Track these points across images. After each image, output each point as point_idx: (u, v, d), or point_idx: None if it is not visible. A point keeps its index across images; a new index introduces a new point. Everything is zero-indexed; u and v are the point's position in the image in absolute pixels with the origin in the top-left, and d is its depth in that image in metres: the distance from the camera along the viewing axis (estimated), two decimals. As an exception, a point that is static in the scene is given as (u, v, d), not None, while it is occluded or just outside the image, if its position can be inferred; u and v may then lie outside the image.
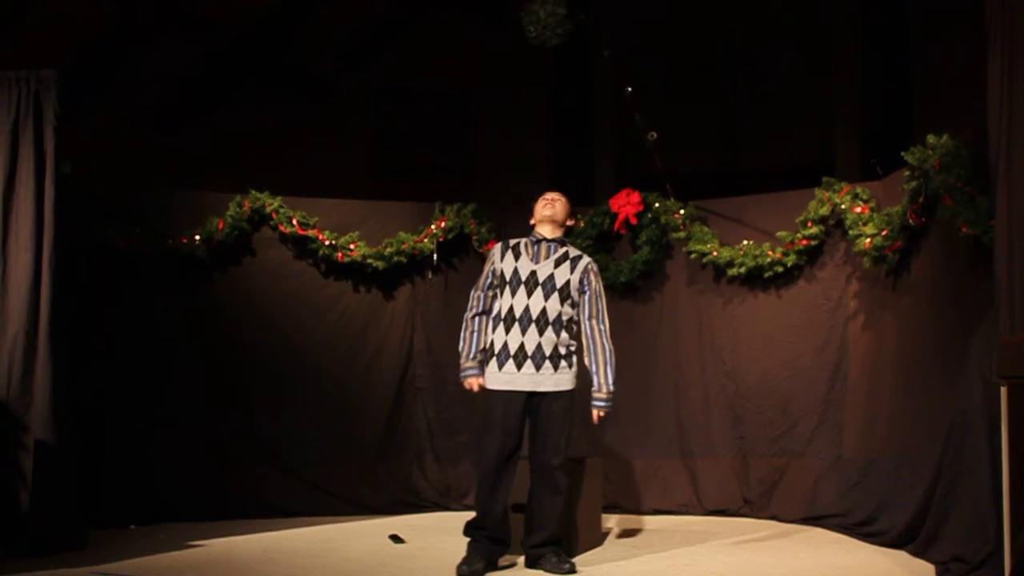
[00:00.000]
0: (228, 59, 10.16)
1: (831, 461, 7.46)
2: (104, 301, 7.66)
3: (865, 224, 7.11)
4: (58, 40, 8.60)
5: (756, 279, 7.86)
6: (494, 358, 5.81)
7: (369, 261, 8.21)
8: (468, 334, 5.92)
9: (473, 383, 5.86)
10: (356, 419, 8.26)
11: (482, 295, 5.94)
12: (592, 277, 5.92)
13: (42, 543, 6.22)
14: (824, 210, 7.48)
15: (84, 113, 8.60)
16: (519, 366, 5.74)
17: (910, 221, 6.52)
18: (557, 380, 5.78)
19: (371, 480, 8.22)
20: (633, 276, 8.24)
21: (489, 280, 5.94)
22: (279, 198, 8.13)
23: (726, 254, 7.87)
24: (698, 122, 10.59)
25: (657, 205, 8.19)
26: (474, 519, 5.88)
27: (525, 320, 5.75)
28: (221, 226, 7.96)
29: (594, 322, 5.89)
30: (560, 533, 5.93)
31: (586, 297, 5.89)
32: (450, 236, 8.35)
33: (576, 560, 6.06)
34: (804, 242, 7.59)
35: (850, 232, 7.26)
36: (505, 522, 5.87)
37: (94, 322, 7.56)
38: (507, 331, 5.78)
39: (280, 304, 8.20)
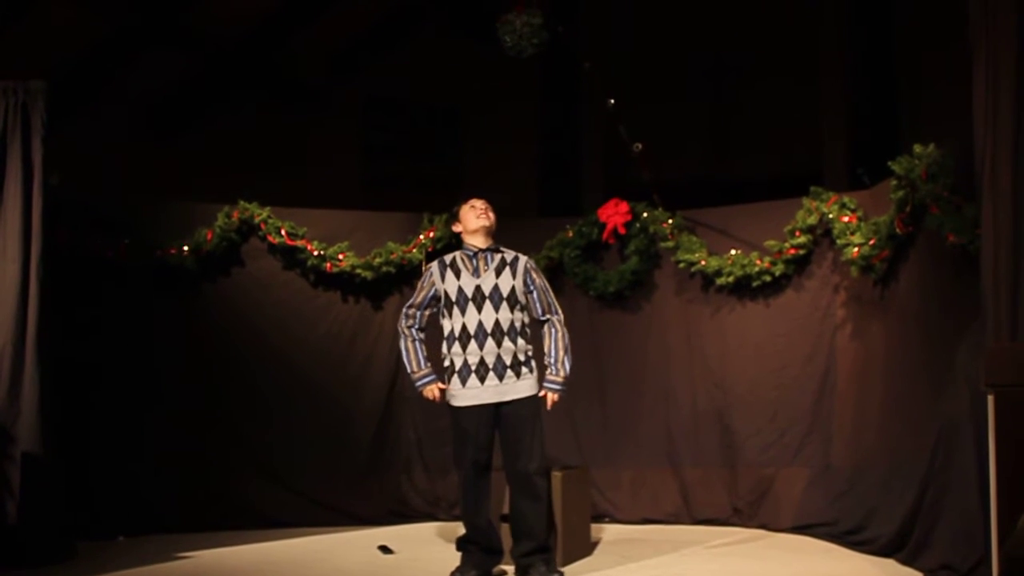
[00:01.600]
0: (217, 70, 10.16)
1: (820, 470, 7.46)
2: (92, 312, 7.63)
3: (852, 233, 7.12)
4: (47, 50, 8.58)
5: (744, 288, 7.87)
6: (455, 375, 5.80)
7: (358, 271, 8.21)
8: (409, 343, 5.94)
9: (433, 388, 5.88)
10: (345, 430, 8.24)
11: (418, 313, 5.95)
12: (534, 275, 5.94)
13: (30, 555, 6.21)
14: (812, 219, 7.48)
15: (72, 123, 8.59)
16: (482, 380, 5.74)
17: (897, 230, 6.53)
18: (520, 387, 5.78)
19: (360, 491, 8.20)
20: (622, 286, 8.25)
21: (427, 298, 5.92)
22: (268, 208, 8.13)
23: (714, 263, 7.88)
24: (686, 132, 10.61)
25: (645, 215, 8.19)
26: (464, 534, 5.91)
27: (481, 335, 5.75)
28: (210, 237, 7.96)
29: (549, 315, 5.93)
30: (547, 540, 5.93)
31: (534, 296, 5.91)
32: (439, 246, 8.35)
33: (565, 570, 6.06)
34: (792, 251, 7.60)
35: (838, 241, 7.27)
36: (493, 531, 5.90)
37: (82, 333, 7.53)
38: (464, 348, 5.77)
39: (269, 315, 8.19)
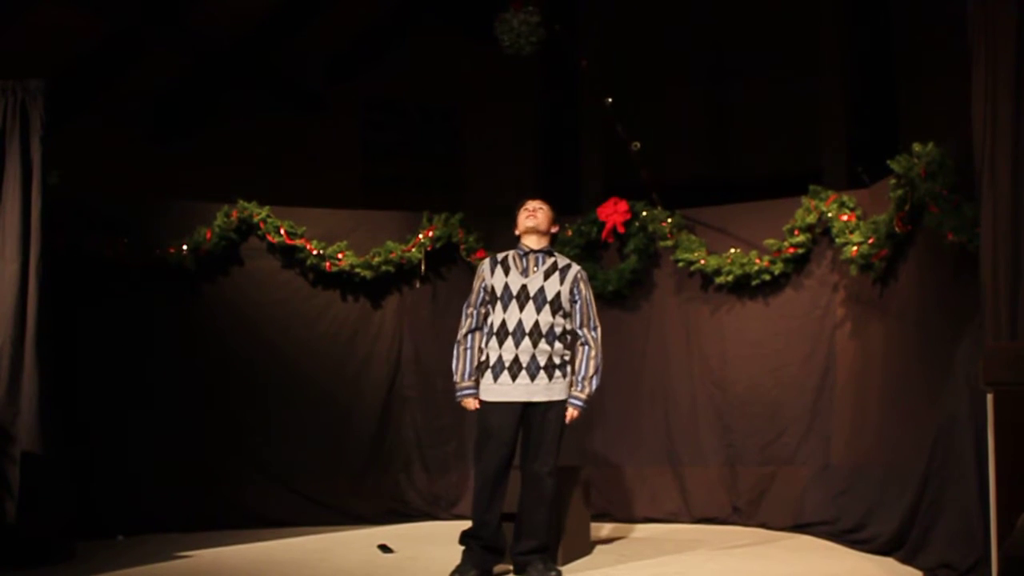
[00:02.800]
0: (217, 70, 10.17)
1: (819, 468, 7.46)
2: (91, 311, 7.63)
3: (852, 232, 7.12)
4: (47, 50, 8.59)
5: (743, 287, 7.87)
6: (489, 370, 5.83)
7: (357, 271, 8.20)
8: (462, 351, 5.93)
9: (470, 403, 5.88)
10: (344, 429, 8.24)
11: (475, 312, 5.95)
12: (582, 286, 5.94)
13: (29, 555, 6.19)
14: (811, 218, 7.49)
15: (72, 123, 8.59)
16: (514, 377, 5.76)
17: (896, 229, 6.54)
18: (551, 390, 5.80)
19: (360, 490, 8.20)
20: (621, 285, 8.25)
21: (481, 296, 5.94)
22: (267, 208, 8.12)
23: (713, 262, 7.88)
24: (686, 131, 10.63)
25: (645, 214, 8.19)
26: (470, 528, 5.89)
27: (519, 334, 5.77)
28: (208, 236, 7.96)
29: (586, 329, 5.94)
30: (548, 540, 5.94)
31: (577, 306, 5.91)
32: (438, 245, 8.35)
33: (564, 569, 6.07)
34: (791, 250, 7.61)
35: (837, 240, 7.27)
36: (500, 531, 5.89)
37: (81, 332, 7.53)
38: (500, 344, 5.80)
39: (268, 314, 8.19)
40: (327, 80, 10.99)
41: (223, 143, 10.10)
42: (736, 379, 7.92)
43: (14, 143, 6.51)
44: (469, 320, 5.95)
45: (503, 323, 5.80)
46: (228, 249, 8.09)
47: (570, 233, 8.37)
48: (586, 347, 5.93)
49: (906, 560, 5.98)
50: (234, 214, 8.06)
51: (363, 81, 11.15)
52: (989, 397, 4.53)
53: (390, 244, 8.29)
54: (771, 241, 7.67)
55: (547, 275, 5.87)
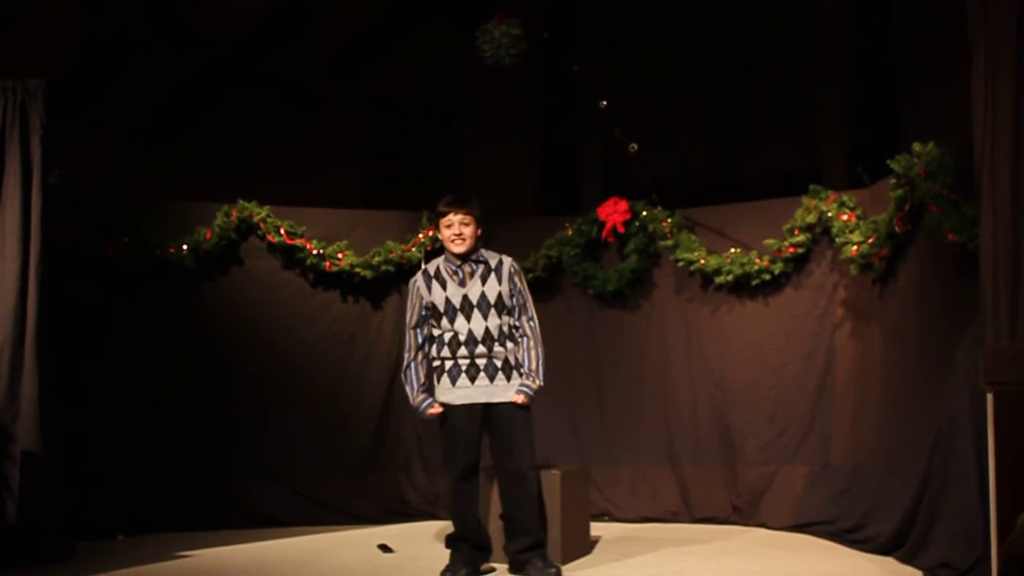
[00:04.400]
0: (217, 70, 10.16)
1: (819, 468, 7.46)
2: (91, 311, 7.63)
3: (852, 232, 7.13)
4: (47, 49, 8.57)
5: (743, 287, 7.87)
6: (445, 374, 5.84)
7: (357, 270, 8.20)
8: (410, 374, 5.91)
9: (434, 410, 5.85)
10: (344, 428, 8.24)
11: (416, 332, 5.93)
12: (517, 279, 5.93)
13: (29, 554, 6.20)
14: (811, 218, 7.49)
15: (72, 122, 8.58)
16: (472, 379, 5.79)
17: (896, 228, 6.54)
18: (511, 389, 5.81)
19: (360, 489, 8.20)
20: (621, 284, 8.25)
21: (420, 315, 5.91)
22: (267, 207, 8.12)
23: (713, 262, 7.88)
24: (685, 130, 10.62)
25: (645, 213, 8.19)
26: (454, 532, 5.95)
27: (471, 343, 5.78)
28: (209, 236, 7.96)
29: (524, 318, 5.92)
30: (543, 536, 5.96)
31: (515, 300, 5.90)
32: (438, 245, 8.33)
33: (565, 568, 6.05)
34: (791, 250, 7.60)
35: (837, 240, 7.27)
36: (482, 530, 5.95)
37: (81, 332, 7.52)
38: (454, 353, 5.81)
39: (268, 314, 8.19)
40: (327, 79, 10.99)
41: (223, 142, 10.09)
42: (736, 379, 7.92)
43: (14, 143, 6.53)
44: (412, 342, 5.92)
45: (454, 335, 5.81)
46: (228, 249, 8.09)
47: (570, 233, 8.38)
48: (526, 339, 5.90)
49: (906, 560, 5.97)
50: (234, 214, 8.06)
51: (363, 81, 11.15)
52: (989, 396, 4.53)
53: (390, 244, 8.29)
54: (771, 241, 7.67)
55: (484, 279, 5.86)
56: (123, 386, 7.70)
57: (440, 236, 6.00)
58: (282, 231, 8.09)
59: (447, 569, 5.82)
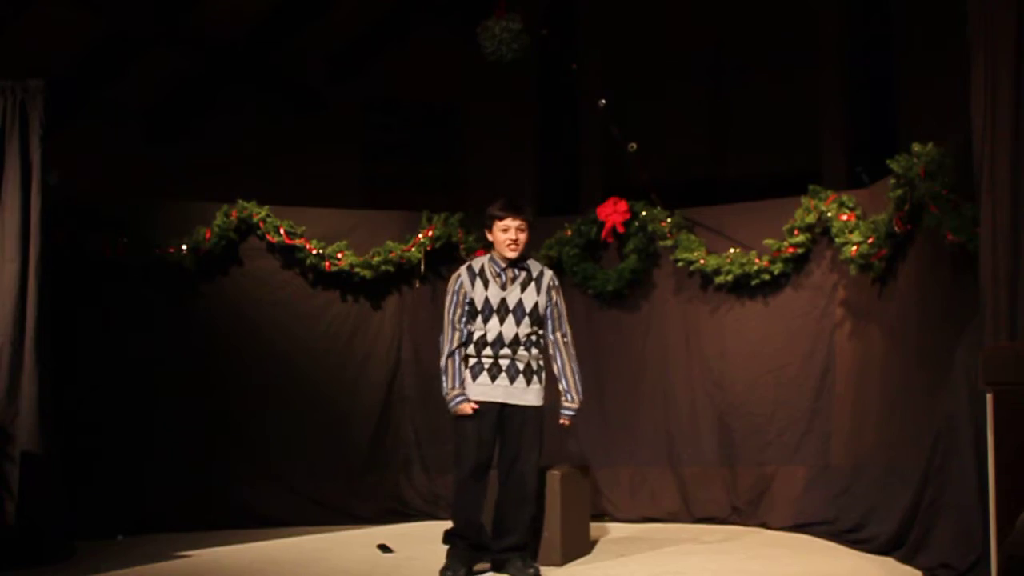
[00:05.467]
0: (217, 69, 10.15)
1: (819, 469, 7.46)
2: (91, 311, 7.63)
3: (851, 232, 7.13)
4: (47, 49, 8.57)
5: (743, 287, 7.87)
6: (468, 371, 5.88)
7: (357, 270, 8.20)
8: (452, 367, 5.88)
9: (466, 408, 5.83)
10: (344, 428, 8.24)
11: (460, 326, 5.91)
12: (555, 293, 6.01)
13: (28, 555, 6.20)
14: (810, 218, 7.49)
15: (72, 122, 8.58)
16: (493, 378, 5.83)
17: (896, 229, 6.54)
18: (529, 393, 5.87)
19: (359, 490, 8.20)
20: (621, 285, 8.25)
21: (463, 310, 5.91)
22: (266, 207, 8.12)
23: (713, 262, 7.88)
24: (685, 131, 10.61)
25: (644, 213, 8.20)
26: (453, 528, 5.97)
27: (498, 344, 5.84)
28: (208, 236, 7.96)
29: (559, 335, 5.99)
30: (528, 538, 5.97)
31: (549, 311, 5.97)
32: (437, 245, 8.36)
33: (563, 569, 6.08)
34: (791, 250, 7.61)
35: (836, 240, 7.28)
36: (483, 530, 5.97)
37: (81, 332, 7.53)
38: (480, 352, 5.86)
39: (267, 314, 8.19)
40: (327, 79, 10.98)
41: (223, 142, 10.09)
42: (735, 379, 7.92)
43: (13, 143, 6.53)
44: (457, 335, 5.90)
45: (483, 335, 5.86)
46: (227, 249, 8.09)
47: (569, 233, 8.39)
48: (559, 355, 5.96)
49: (906, 560, 5.97)
50: (233, 214, 8.06)
51: (363, 81, 11.14)
52: (988, 397, 4.53)
53: (390, 244, 8.28)
54: (771, 241, 7.67)
55: (524, 287, 5.92)
56: (122, 386, 7.69)
57: (492, 238, 5.99)
58: (281, 231, 8.09)
59: (446, 567, 5.83)
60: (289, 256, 8.20)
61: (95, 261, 7.68)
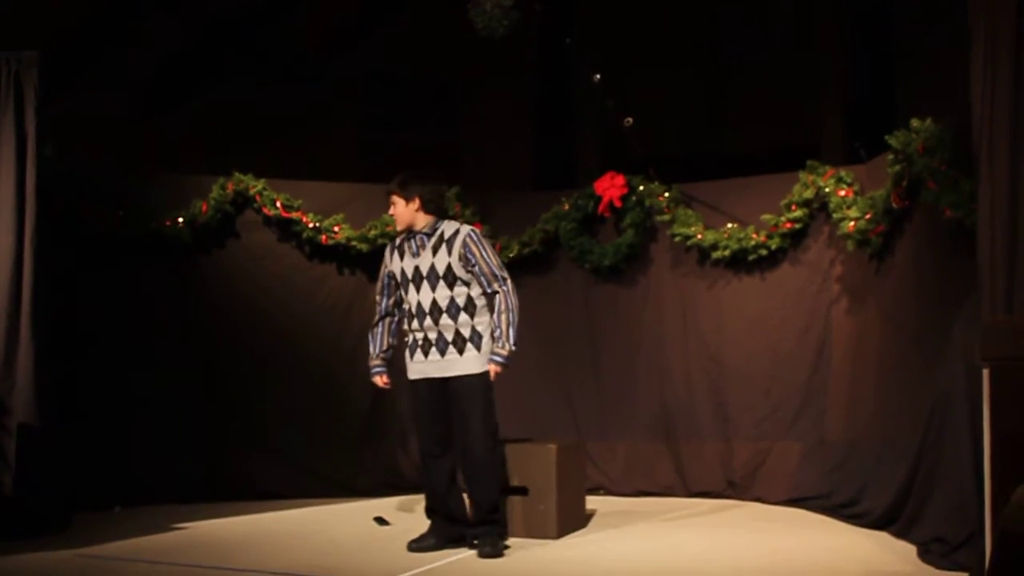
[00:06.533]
0: (215, 42, 10.11)
1: (814, 443, 7.48)
2: (87, 283, 7.60)
3: (849, 207, 7.12)
4: (43, 20, 8.51)
5: (740, 262, 7.87)
6: (407, 349, 5.99)
7: (353, 243, 8.20)
8: (371, 336, 6.15)
9: (378, 380, 6.08)
10: (341, 401, 8.25)
11: (380, 298, 6.09)
12: (473, 247, 5.85)
13: (26, 526, 6.22)
14: (808, 193, 7.48)
15: (68, 93, 8.53)
16: (425, 354, 5.88)
17: (893, 204, 6.52)
18: (464, 363, 5.83)
19: (356, 462, 8.22)
20: (618, 259, 8.24)
21: (384, 283, 6.08)
22: (263, 180, 8.10)
23: (710, 237, 7.87)
24: (683, 105, 10.57)
25: (641, 188, 8.18)
26: (425, 502, 6.09)
27: (421, 315, 5.87)
28: (204, 209, 7.95)
29: (496, 284, 5.87)
30: (494, 514, 5.92)
31: (476, 268, 5.86)
32: (434, 219, 8.33)
33: (559, 542, 6.10)
34: (788, 225, 7.60)
35: (834, 215, 7.26)
36: (452, 502, 6.00)
37: (77, 304, 7.51)
38: (410, 325, 5.94)
39: (264, 287, 8.19)
40: (326, 53, 10.93)
41: (220, 114, 10.05)
42: (732, 354, 7.93)
43: (8, 115, 6.49)
44: (378, 307, 6.11)
45: (409, 306, 5.93)
46: (224, 222, 8.08)
47: (567, 207, 8.37)
48: (500, 305, 5.85)
49: (900, 535, 6.00)
50: (230, 186, 8.04)
51: (362, 54, 11.09)
52: (985, 372, 4.52)
53: (386, 217, 8.20)
54: (768, 216, 7.66)
55: (435, 250, 5.89)
56: (119, 358, 7.69)
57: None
58: (278, 204, 8.07)
59: (414, 539, 5.95)
60: (286, 229, 8.19)
61: (90, 234, 7.66)
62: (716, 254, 7.88)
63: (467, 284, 5.86)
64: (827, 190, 7.33)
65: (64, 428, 6.79)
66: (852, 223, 7.01)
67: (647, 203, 8.16)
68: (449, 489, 5.98)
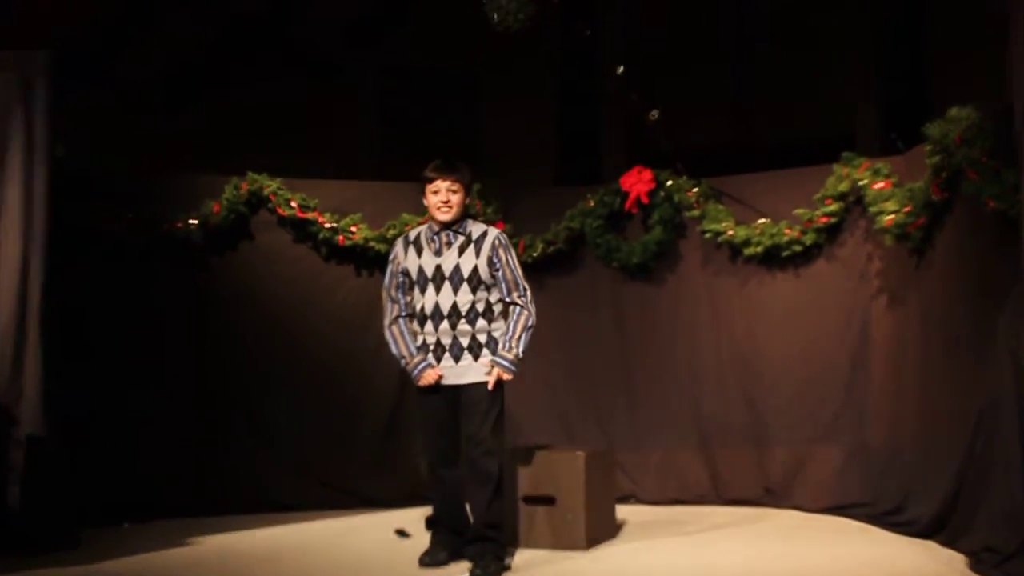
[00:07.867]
0: (230, 37, 10.09)
1: (854, 448, 7.28)
2: (97, 288, 7.45)
3: (886, 200, 6.92)
4: (55, 18, 8.45)
5: (773, 259, 7.69)
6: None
7: (371, 244, 8.02)
8: (396, 337, 5.78)
9: (431, 375, 5.66)
10: (359, 410, 8.08)
11: (397, 295, 5.80)
12: (501, 252, 5.67)
13: (33, 541, 6.10)
14: (843, 186, 7.31)
15: (80, 94, 8.43)
16: (438, 360, 5.64)
17: (933, 196, 6.33)
18: (477, 370, 5.62)
19: (375, 473, 8.03)
20: (646, 257, 8.08)
21: (396, 280, 5.79)
22: (277, 180, 7.96)
23: (742, 233, 7.71)
24: (712, 97, 10.43)
25: (670, 183, 8.03)
26: (432, 514, 5.92)
27: (437, 317, 5.62)
28: (217, 209, 7.80)
29: (515, 294, 5.68)
30: (493, 531, 5.67)
31: (500, 275, 5.67)
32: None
33: (588, 553, 5.99)
34: (823, 220, 7.42)
35: (870, 209, 7.08)
36: (458, 514, 5.81)
37: (86, 310, 7.35)
38: (422, 328, 5.68)
39: (279, 290, 8.03)
40: (343, 47, 10.85)
41: (236, 112, 9.99)
42: (766, 355, 7.75)
43: (19, 116, 6.37)
44: (396, 306, 5.79)
45: (422, 307, 5.66)
46: (238, 223, 7.92)
47: (592, 204, 8.23)
48: (516, 309, 5.66)
49: (948, 543, 5.85)
50: (243, 186, 7.90)
51: (379, 48, 11.00)
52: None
53: (405, 216, 8.08)
54: (802, 210, 7.49)
55: (461, 251, 5.65)
56: (129, 365, 7.55)
57: (426, 203, 5.78)
58: (293, 204, 7.92)
59: (426, 553, 5.75)
60: (301, 230, 8.03)
61: (101, 236, 7.52)
62: (748, 251, 7.70)
63: (488, 289, 5.66)
64: (863, 183, 7.15)
65: (72, 439, 6.65)
66: (890, 217, 6.81)
67: (676, 199, 8.00)
68: (459, 502, 5.80)
